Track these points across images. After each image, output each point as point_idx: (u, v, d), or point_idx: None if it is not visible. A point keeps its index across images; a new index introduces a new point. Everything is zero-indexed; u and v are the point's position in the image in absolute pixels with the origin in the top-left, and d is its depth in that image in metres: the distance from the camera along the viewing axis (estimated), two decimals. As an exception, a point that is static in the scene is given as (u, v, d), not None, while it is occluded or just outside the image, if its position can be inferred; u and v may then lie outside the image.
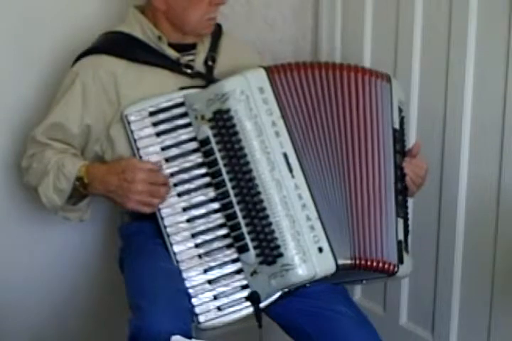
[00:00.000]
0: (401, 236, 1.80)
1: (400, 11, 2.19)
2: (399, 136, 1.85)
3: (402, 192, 1.83)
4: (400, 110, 1.89)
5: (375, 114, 1.83)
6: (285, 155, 1.73)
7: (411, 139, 2.19)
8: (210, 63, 1.92)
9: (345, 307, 1.83)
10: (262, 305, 1.74)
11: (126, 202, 1.75)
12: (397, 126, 1.85)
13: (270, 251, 1.70)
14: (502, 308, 2.02)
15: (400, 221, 1.81)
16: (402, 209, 1.82)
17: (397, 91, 1.89)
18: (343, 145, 1.79)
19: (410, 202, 2.20)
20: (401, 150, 1.85)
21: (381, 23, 2.27)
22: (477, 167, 2.04)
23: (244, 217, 1.73)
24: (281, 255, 1.69)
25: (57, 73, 2.09)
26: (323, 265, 1.71)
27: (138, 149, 1.80)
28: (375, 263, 1.76)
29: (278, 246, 1.69)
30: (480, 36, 1.98)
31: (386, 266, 1.77)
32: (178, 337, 1.55)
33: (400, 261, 1.79)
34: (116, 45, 1.90)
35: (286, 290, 1.74)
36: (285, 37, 2.49)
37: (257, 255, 1.72)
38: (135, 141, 1.80)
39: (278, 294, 1.74)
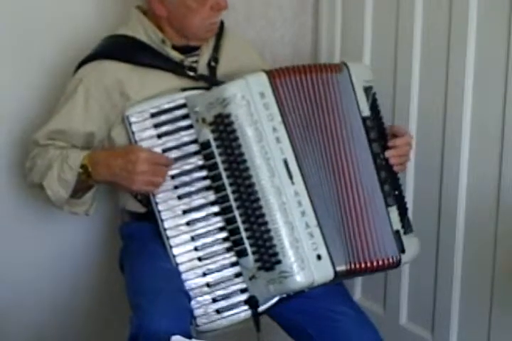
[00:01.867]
0: (397, 226, 1.80)
1: (399, 11, 2.18)
2: (371, 123, 1.82)
3: (388, 178, 1.82)
4: (367, 90, 1.85)
5: (341, 110, 1.80)
6: (285, 162, 1.73)
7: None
8: (213, 64, 1.92)
9: (346, 308, 1.84)
10: (260, 309, 1.74)
11: (131, 183, 1.75)
12: (366, 113, 1.82)
13: (268, 258, 1.70)
14: (502, 308, 2.02)
15: (393, 209, 1.81)
16: (391, 197, 1.81)
17: (359, 74, 1.84)
18: (330, 149, 1.78)
19: (410, 202, 2.22)
20: (376, 137, 1.83)
21: (381, 23, 2.27)
22: (477, 167, 2.04)
23: (243, 222, 1.73)
24: (279, 262, 1.69)
25: (57, 74, 2.09)
26: (322, 272, 1.71)
27: None
28: (376, 263, 1.76)
29: (276, 253, 1.69)
30: (480, 36, 1.97)
31: (388, 261, 1.77)
32: (178, 336, 1.55)
33: (402, 250, 1.79)
34: (120, 49, 1.89)
35: (284, 295, 1.75)
36: (285, 37, 2.49)
37: (256, 260, 1.72)
38: (136, 142, 1.80)
39: (277, 298, 1.74)
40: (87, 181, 1.82)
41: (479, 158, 2.03)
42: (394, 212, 1.81)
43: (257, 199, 1.71)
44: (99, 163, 1.79)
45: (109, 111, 1.86)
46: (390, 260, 1.78)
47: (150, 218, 1.81)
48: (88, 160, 1.79)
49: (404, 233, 1.82)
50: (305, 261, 1.69)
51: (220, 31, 1.98)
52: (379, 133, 1.83)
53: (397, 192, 1.83)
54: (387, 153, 1.83)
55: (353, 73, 1.83)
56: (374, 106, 1.85)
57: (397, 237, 1.79)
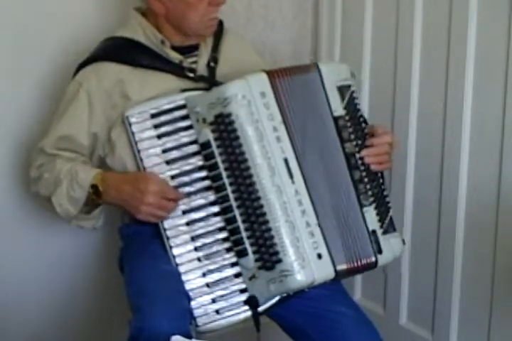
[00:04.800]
0: (374, 226, 1.78)
1: (399, 11, 2.19)
2: (345, 122, 1.80)
3: (364, 178, 1.79)
4: (342, 89, 1.82)
5: (315, 110, 1.79)
6: (286, 161, 1.72)
7: (411, 139, 2.19)
8: (212, 64, 1.91)
9: (345, 308, 1.84)
10: (260, 309, 1.74)
11: (137, 212, 1.76)
12: (339, 112, 1.80)
13: (269, 257, 1.70)
14: (502, 308, 2.02)
15: (369, 209, 1.78)
16: (367, 197, 1.79)
17: (331, 73, 1.81)
18: (320, 148, 1.77)
19: (410, 202, 2.22)
20: (352, 137, 1.80)
21: (381, 23, 2.27)
22: (477, 167, 2.04)
23: (243, 222, 1.72)
24: (280, 261, 1.69)
25: (56, 76, 2.09)
26: (322, 271, 1.71)
27: (139, 151, 1.79)
28: (360, 263, 1.76)
29: (277, 252, 1.69)
30: (480, 36, 1.98)
31: (365, 262, 1.76)
32: (178, 337, 1.55)
33: (378, 251, 1.78)
34: (119, 50, 1.88)
35: (284, 294, 1.74)
36: (285, 37, 2.49)
37: (256, 260, 1.71)
38: (136, 143, 1.79)
39: (277, 298, 1.74)
40: (96, 200, 1.82)
41: (479, 159, 2.03)
42: (371, 212, 1.79)
43: (258, 198, 1.70)
44: (109, 186, 1.79)
45: (110, 111, 1.85)
46: (364, 261, 1.76)
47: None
48: (100, 181, 1.79)
49: (384, 233, 1.80)
50: (306, 260, 1.69)
51: (219, 31, 1.98)
52: (356, 132, 1.81)
53: (376, 191, 1.81)
54: (362, 152, 1.80)
55: (323, 73, 1.80)
56: (351, 105, 1.83)
57: (374, 238, 1.78)
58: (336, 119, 1.80)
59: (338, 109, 1.80)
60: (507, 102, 1.93)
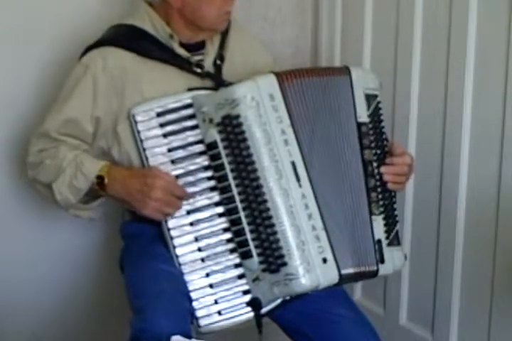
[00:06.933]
0: (380, 235, 1.78)
1: (399, 11, 2.19)
2: (367, 129, 1.80)
3: (377, 188, 1.80)
4: (369, 97, 1.82)
5: (338, 113, 1.79)
6: (293, 164, 1.71)
7: (411, 140, 2.19)
8: (218, 62, 1.90)
9: (345, 310, 1.84)
10: (262, 311, 1.73)
11: (143, 207, 1.74)
12: (363, 119, 1.80)
13: (274, 260, 1.69)
14: (502, 308, 2.02)
15: (378, 218, 1.78)
16: (377, 206, 1.79)
17: (360, 79, 1.82)
18: (331, 152, 1.77)
19: (410, 202, 2.22)
20: (372, 145, 1.80)
21: (381, 23, 2.27)
22: (477, 167, 2.04)
23: (249, 224, 1.71)
24: (285, 264, 1.68)
25: (56, 69, 2.09)
26: (327, 276, 1.70)
27: (144, 149, 1.78)
28: (363, 270, 1.76)
29: (282, 256, 1.68)
30: (480, 36, 1.98)
31: (366, 270, 1.76)
32: (178, 337, 1.55)
33: (381, 260, 1.77)
34: (127, 38, 1.86)
35: (287, 297, 1.74)
36: (285, 37, 2.49)
37: (261, 262, 1.71)
38: (141, 141, 1.78)
39: (279, 301, 1.73)
40: (99, 191, 1.80)
41: (479, 158, 2.03)
42: (379, 221, 1.79)
43: (265, 201, 1.69)
44: (115, 179, 1.77)
45: (113, 97, 1.83)
46: (366, 268, 1.76)
47: (150, 218, 1.80)
48: (106, 173, 1.77)
49: (389, 244, 1.80)
50: (311, 263, 1.68)
51: (227, 28, 1.95)
52: (376, 142, 1.82)
53: (387, 203, 1.81)
54: (382, 169, 1.81)
55: (354, 77, 1.81)
56: (375, 116, 1.83)
57: (378, 247, 1.78)
58: (359, 125, 1.79)
59: (363, 115, 1.80)
60: (507, 102, 1.93)
